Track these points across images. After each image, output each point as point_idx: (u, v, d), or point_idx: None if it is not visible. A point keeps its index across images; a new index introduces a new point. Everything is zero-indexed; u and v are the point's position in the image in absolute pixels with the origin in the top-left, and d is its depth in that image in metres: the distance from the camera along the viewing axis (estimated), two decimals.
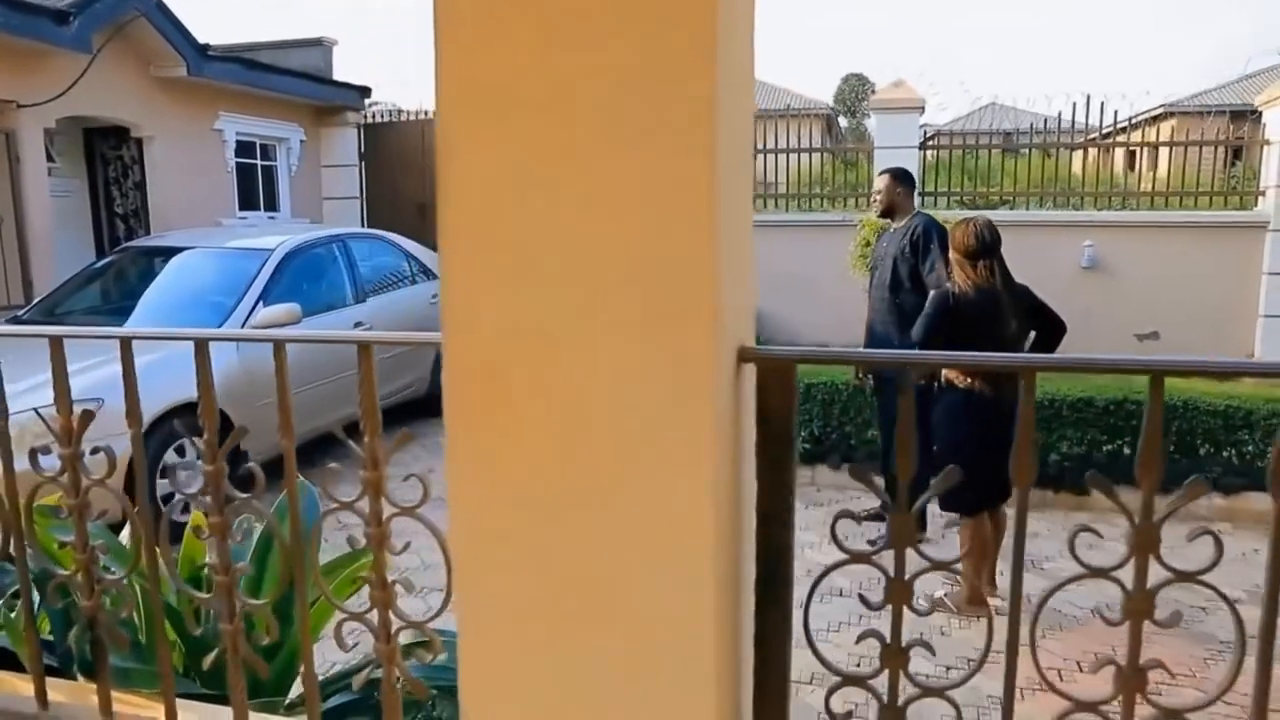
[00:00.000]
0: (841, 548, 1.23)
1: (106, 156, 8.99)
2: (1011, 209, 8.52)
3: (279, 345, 1.45)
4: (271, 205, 10.11)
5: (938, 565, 1.22)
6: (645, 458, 1.08)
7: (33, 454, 1.62)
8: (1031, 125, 9.27)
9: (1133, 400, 5.38)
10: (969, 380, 3.79)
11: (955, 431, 3.84)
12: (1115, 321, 7.81)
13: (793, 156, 9.32)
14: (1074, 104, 8.91)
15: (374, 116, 10.82)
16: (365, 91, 10.65)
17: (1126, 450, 5.30)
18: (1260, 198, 8.11)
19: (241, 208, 9.55)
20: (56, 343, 1.62)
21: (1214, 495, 5.24)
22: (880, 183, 5.00)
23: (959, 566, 3.87)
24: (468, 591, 1.16)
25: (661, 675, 1.12)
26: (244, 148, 9.63)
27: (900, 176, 4.94)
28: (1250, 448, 5.31)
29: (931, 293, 4.16)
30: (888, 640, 1.23)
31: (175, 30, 8.12)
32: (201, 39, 8.51)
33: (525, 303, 1.07)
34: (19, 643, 1.84)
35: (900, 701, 1.24)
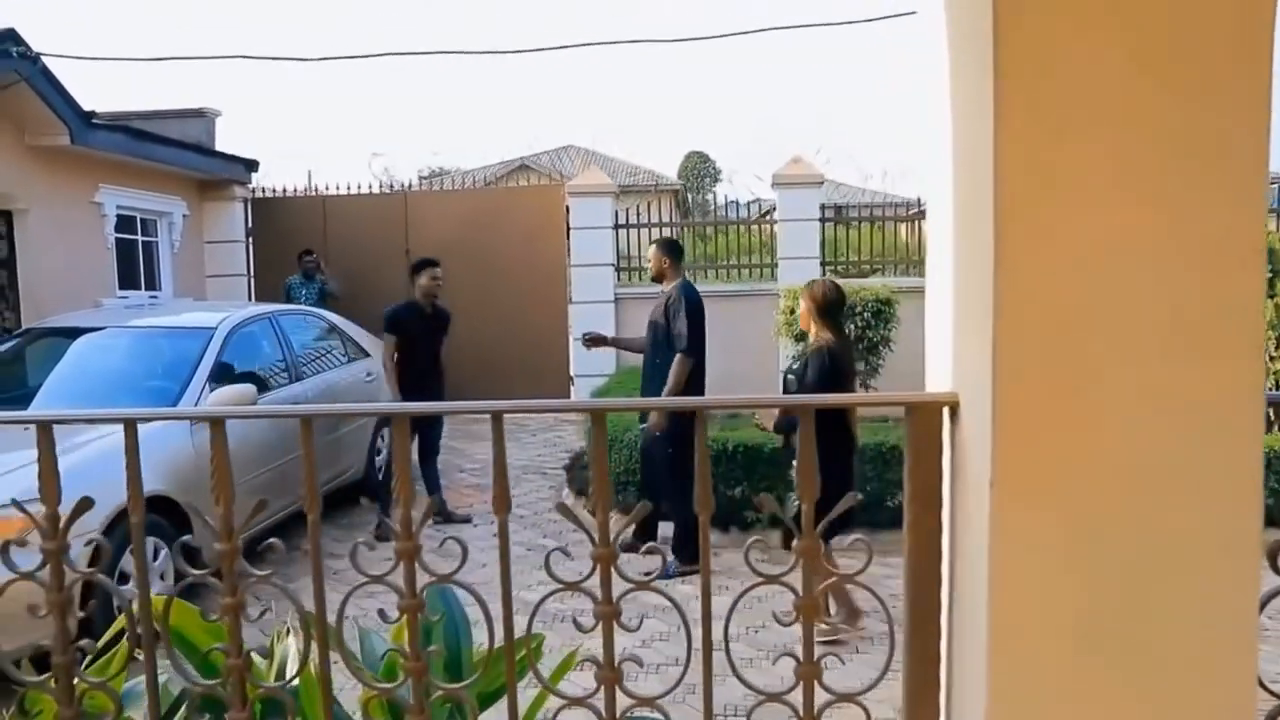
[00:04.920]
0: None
1: None
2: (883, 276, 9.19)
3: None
4: (152, 284, 9.34)
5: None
6: (1185, 485, 1.18)
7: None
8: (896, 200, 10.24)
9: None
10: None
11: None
12: None
13: (649, 231, 9.66)
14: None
15: (263, 190, 10.31)
16: (253, 165, 10.16)
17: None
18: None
19: (121, 286, 8.78)
20: None
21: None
22: (651, 252, 5.45)
23: None
24: (1005, 603, 1.21)
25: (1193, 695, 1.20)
26: (124, 222, 8.90)
27: (666, 246, 5.37)
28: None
29: (810, 355, 4.08)
30: None
31: (59, 97, 7.51)
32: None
33: (1079, 336, 1.17)
34: None
35: None
